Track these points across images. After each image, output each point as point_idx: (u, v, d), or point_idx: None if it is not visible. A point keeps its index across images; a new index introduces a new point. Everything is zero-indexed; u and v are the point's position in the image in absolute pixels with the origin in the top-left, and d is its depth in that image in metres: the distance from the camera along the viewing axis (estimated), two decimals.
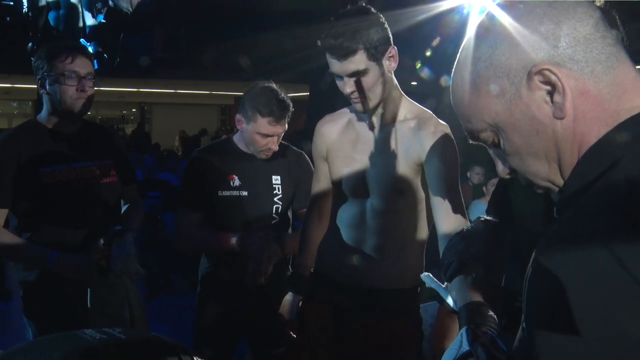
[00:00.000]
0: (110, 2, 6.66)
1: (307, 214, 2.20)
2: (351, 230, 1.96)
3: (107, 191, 2.27)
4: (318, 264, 2.08)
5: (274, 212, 2.45)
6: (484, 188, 5.12)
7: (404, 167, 1.84)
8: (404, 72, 1.92)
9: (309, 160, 2.46)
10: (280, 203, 2.45)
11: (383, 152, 1.87)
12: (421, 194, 1.87)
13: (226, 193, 2.41)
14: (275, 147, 2.37)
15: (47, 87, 2.14)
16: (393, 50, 1.81)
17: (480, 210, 4.03)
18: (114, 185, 2.30)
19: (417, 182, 1.85)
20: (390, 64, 1.81)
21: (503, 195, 1.77)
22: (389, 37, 1.80)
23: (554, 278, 0.64)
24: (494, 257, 1.49)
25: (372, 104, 1.82)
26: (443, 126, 1.82)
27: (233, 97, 19.04)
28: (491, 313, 1.30)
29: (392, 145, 1.86)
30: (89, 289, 2.05)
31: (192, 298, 2.60)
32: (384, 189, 1.87)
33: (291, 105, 2.38)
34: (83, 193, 2.19)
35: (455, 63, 0.87)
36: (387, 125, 1.88)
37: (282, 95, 2.35)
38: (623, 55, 0.77)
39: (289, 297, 2.14)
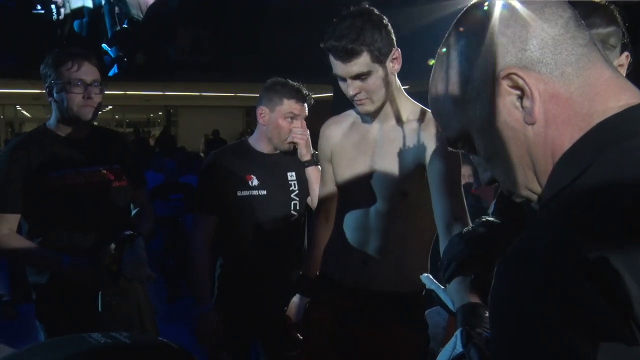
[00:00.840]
0: (117, 9, 6.77)
1: (315, 216, 2.21)
2: (355, 232, 1.95)
3: (117, 195, 2.29)
4: (323, 267, 2.08)
5: (292, 208, 2.48)
6: None
7: (408, 169, 1.82)
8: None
9: None
10: (298, 199, 2.49)
11: (386, 154, 1.86)
12: (425, 195, 1.84)
13: (245, 193, 2.44)
14: (303, 129, 2.42)
15: (55, 94, 2.17)
16: (397, 52, 1.80)
17: None
18: (123, 190, 2.32)
19: (422, 184, 1.83)
20: (394, 65, 1.80)
21: (506, 197, 1.74)
22: (393, 39, 1.79)
23: (497, 293, 0.64)
24: (494, 258, 1.46)
25: (375, 105, 1.82)
26: None
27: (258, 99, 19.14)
28: (487, 314, 1.28)
29: (396, 147, 1.85)
30: (99, 293, 2.07)
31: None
32: (387, 191, 1.86)
33: (307, 97, 2.46)
34: (92, 197, 2.22)
35: (432, 71, 0.85)
36: (391, 126, 1.87)
37: (301, 87, 2.45)
38: (596, 55, 0.74)
39: (295, 299, 2.15)
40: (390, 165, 1.85)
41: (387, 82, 1.79)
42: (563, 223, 0.63)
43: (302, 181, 2.50)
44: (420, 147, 1.80)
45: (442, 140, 1.76)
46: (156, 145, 12.65)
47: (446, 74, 0.80)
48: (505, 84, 0.74)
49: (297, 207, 2.50)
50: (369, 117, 1.89)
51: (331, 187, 2.10)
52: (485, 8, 0.77)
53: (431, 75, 0.85)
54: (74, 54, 2.20)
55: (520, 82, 0.72)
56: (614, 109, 0.71)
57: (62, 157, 2.19)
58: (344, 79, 1.79)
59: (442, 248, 1.63)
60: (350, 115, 2.01)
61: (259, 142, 2.50)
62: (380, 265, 1.90)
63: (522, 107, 0.74)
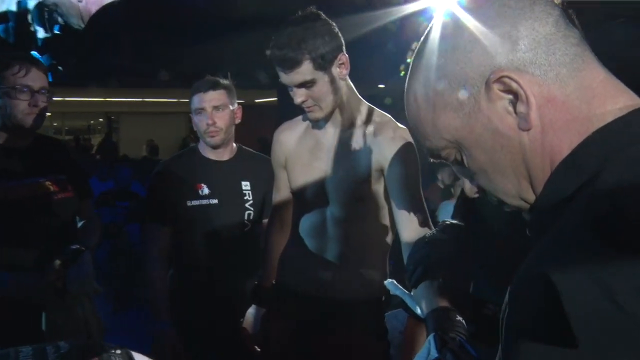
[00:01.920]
0: (60, 19, 6.54)
1: (269, 224, 2.17)
2: (312, 239, 1.93)
3: (62, 207, 2.18)
4: (280, 275, 2.04)
5: (245, 218, 2.41)
6: (452, 189, 5.13)
7: (364, 173, 1.80)
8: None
9: None
10: (252, 209, 2.42)
11: (342, 159, 1.83)
12: (382, 201, 1.84)
13: (195, 202, 2.36)
14: (209, 121, 2.31)
15: None
16: (344, 57, 1.77)
17: (448, 211, 4.02)
18: (69, 201, 2.21)
19: (378, 189, 1.82)
20: (341, 71, 1.77)
21: (468, 199, 1.75)
22: (339, 44, 1.76)
23: (527, 316, 0.57)
24: (460, 262, 1.46)
25: (324, 112, 1.79)
26: (402, 130, 1.79)
27: None
28: (459, 318, 1.28)
29: (351, 151, 1.82)
30: (43, 313, 1.97)
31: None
32: (343, 196, 1.84)
33: (226, 84, 2.37)
34: (36, 210, 2.10)
35: (408, 76, 0.79)
36: (346, 131, 1.85)
37: (214, 79, 2.37)
38: (589, 55, 0.69)
39: (251, 310, 2.10)
40: (346, 170, 1.83)
41: (335, 88, 1.76)
42: (591, 236, 0.57)
43: (258, 192, 2.43)
44: (377, 151, 1.78)
45: (399, 143, 1.75)
46: (97, 153, 12.31)
47: (425, 78, 0.74)
48: (496, 88, 0.68)
49: (251, 217, 2.42)
50: (323, 122, 1.87)
51: (285, 194, 2.06)
52: (468, 6, 0.71)
53: (407, 79, 0.79)
54: (21, 57, 2.08)
55: (514, 85, 0.67)
56: (613, 112, 0.66)
57: (3, 169, 2.07)
58: (291, 87, 1.76)
59: (404, 253, 1.62)
60: (304, 120, 1.98)
61: (206, 149, 2.44)
62: (339, 271, 1.88)
63: (515, 112, 0.68)
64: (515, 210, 0.77)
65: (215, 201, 2.37)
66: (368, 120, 1.84)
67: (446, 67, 0.71)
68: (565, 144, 0.67)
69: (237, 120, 2.42)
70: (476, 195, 0.82)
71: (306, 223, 1.94)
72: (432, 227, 1.65)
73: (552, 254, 0.59)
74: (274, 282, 2.06)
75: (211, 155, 2.43)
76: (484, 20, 0.69)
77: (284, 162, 2.01)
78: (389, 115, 1.86)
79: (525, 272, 0.61)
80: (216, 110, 2.33)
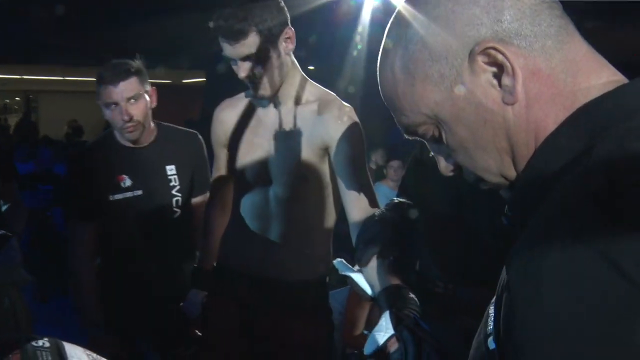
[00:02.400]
0: None
1: (209, 204, 2.10)
2: (254, 220, 1.88)
3: None
4: (221, 257, 1.99)
5: (174, 205, 2.29)
6: (384, 170, 5.18)
7: (308, 152, 1.77)
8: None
9: (203, 141, 2.34)
10: (180, 195, 2.29)
11: (285, 137, 1.79)
12: (326, 180, 1.81)
13: (118, 196, 2.21)
14: (126, 117, 2.11)
15: None
16: (290, 31, 1.72)
17: (382, 192, 4.06)
18: None
19: (322, 168, 1.79)
20: (287, 45, 1.72)
21: (413, 178, 1.76)
22: (286, 18, 1.71)
23: (536, 290, 0.54)
24: (408, 240, 1.47)
25: (270, 88, 1.74)
26: (347, 108, 1.76)
27: None
28: (412, 296, 1.29)
29: (294, 129, 1.78)
30: None
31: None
32: (287, 175, 1.80)
33: (138, 68, 2.15)
34: None
35: (382, 48, 0.75)
36: (289, 109, 1.80)
37: (122, 62, 2.14)
38: (572, 28, 0.67)
39: (192, 293, 2.04)
40: (289, 148, 1.78)
41: (280, 64, 1.72)
42: (591, 207, 0.55)
43: (184, 174, 2.30)
44: (322, 129, 1.74)
45: (345, 121, 1.72)
46: (15, 134, 11.73)
47: (404, 50, 0.70)
48: (480, 60, 0.65)
49: (179, 203, 2.29)
50: (265, 99, 1.81)
51: (225, 174, 2.00)
52: None
53: (381, 52, 0.75)
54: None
55: (500, 57, 0.64)
56: (597, 87, 0.65)
57: None
58: (235, 61, 1.70)
59: (352, 232, 1.61)
60: (245, 98, 1.92)
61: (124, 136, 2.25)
62: (282, 252, 1.84)
63: (499, 86, 0.65)
64: (494, 187, 0.75)
65: (139, 192, 2.23)
66: (313, 97, 1.80)
67: (427, 38, 0.68)
68: (550, 119, 0.65)
69: (154, 104, 2.24)
70: (451, 174, 0.78)
71: (248, 203, 1.89)
72: (380, 206, 1.65)
73: (552, 231, 0.57)
74: (215, 265, 2.00)
75: (130, 142, 2.25)
76: None
77: (224, 141, 1.94)
78: (334, 94, 1.83)
79: (525, 251, 0.58)
80: (131, 103, 2.13)
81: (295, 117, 1.79)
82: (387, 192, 4.43)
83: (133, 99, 2.12)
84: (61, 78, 16.41)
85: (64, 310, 4.32)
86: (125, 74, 2.11)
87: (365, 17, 6.54)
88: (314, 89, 1.83)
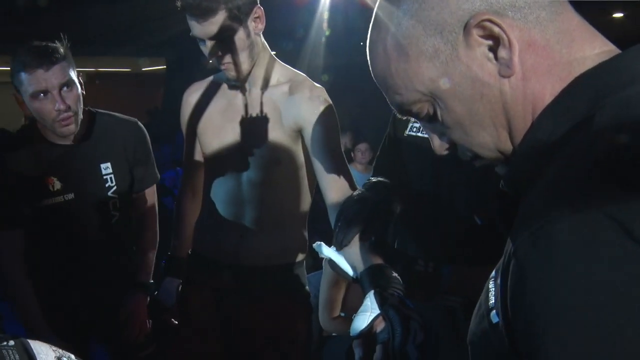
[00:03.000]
0: None
1: (180, 192, 2.05)
2: (227, 205, 1.84)
3: None
4: (195, 245, 1.94)
5: (111, 208, 2.08)
6: (351, 154, 5.19)
7: (280, 134, 1.73)
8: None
9: (144, 129, 2.16)
10: (117, 196, 2.07)
11: (257, 120, 1.75)
12: (300, 162, 1.78)
13: (47, 202, 1.97)
14: (62, 107, 1.85)
15: None
16: (259, 10, 1.68)
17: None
18: None
19: (296, 149, 1.75)
20: (256, 25, 1.68)
21: (388, 157, 1.75)
22: None
23: (547, 256, 0.54)
24: (388, 219, 1.46)
25: (242, 69, 1.69)
26: (319, 89, 1.73)
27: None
28: (395, 275, 1.28)
29: (266, 111, 1.74)
30: None
31: None
32: (260, 159, 1.76)
33: (63, 51, 1.87)
34: None
35: (372, 25, 0.74)
36: (259, 90, 1.76)
37: (47, 45, 1.86)
38: None
39: (166, 281, 1.99)
40: (261, 131, 1.74)
41: (250, 44, 1.67)
42: (600, 176, 0.55)
43: (122, 171, 2.08)
44: (294, 110, 1.70)
45: (317, 102, 1.69)
46: None
47: (397, 26, 0.69)
48: (475, 33, 0.64)
49: (118, 205, 2.08)
50: (236, 81, 1.76)
51: (196, 159, 1.95)
52: None
53: (371, 29, 0.74)
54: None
55: (496, 29, 0.64)
56: (591, 57, 0.65)
57: None
58: (204, 41, 1.65)
59: (330, 214, 1.59)
60: (214, 81, 1.87)
61: (49, 132, 1.96)
62: (257, 237, 1.81)
63: (496, 58, 0.65)
64: (491, 163, 0.74)
65: (70, 196, 1.99)
66: (284, 79, 1.76)
67: (420, 13, 0.67)
68: (547, 90, 0.65)
69: (83, 93, 1.98)
70: (446, 152, 0.77)
71: (220, 189, 1.84)
72: (355, 184, 1.63)
73: (560, 197, 0.56)
74: (189, 252, 1.96)
75: (57, 138, 1.98)
76: None
77: (194, 125, 1.89)
78: (304, 75, 1.79)
79: (533, 219, 0.57)
80: (64, 90, 1.86)
81: (267, 99, 1.75)
82: (355, 175, 4.43)
83: (66, 86, 1.87)
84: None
85: None
86: (55, 58, 1.83)
87: (325, 1, 6.52)
88: (284, 70, 1.79)
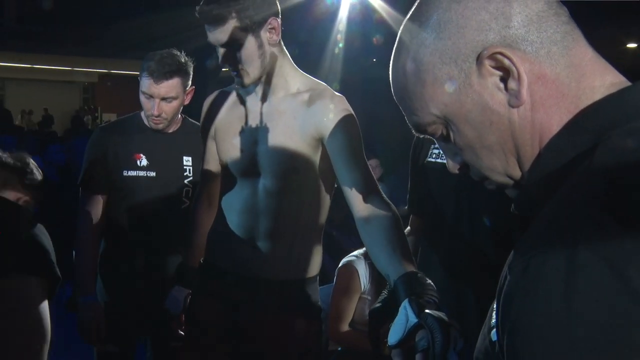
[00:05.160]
0: None
1: (195, 199, 2.03)
2: (242, 215, 1.81)
3: None
4: (208, 254, 1.92)
5: (183, 195, 2.33)
6: None
7: (299, 142, 1.72)
8: None
9: None
10: (191, 186, 2.32)
11: (275, 128, 1.74)
12: (317, 173, 1.76)
13: (132, 173, 2.28)
14: (155, 113, 2.22)
15: None
16: (275, 21, 1.69)
17: None
18: None
19: (314, 159, 1.74)
20: (271, 36, 1.69)
21: (416, 191, 1.79)
22: (272, 9, 1.69)
23: (534, 285, 0.56)
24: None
25: (250, 77, 1.71)
26: (340, 98, 1.73)
27: (97, 75, 17.97)
28: (429, 281, 1.27)
29: (285, 119, 1.74)
30: None
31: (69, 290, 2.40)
32: (276, 167, 1.74)
33: (184, 68, 2.23)
34: None
35: (394, 50, 0.78)
36: (280, 99, 1.76)
37: (172, 56, 2.22)
38: (578, 33, 0.70)
39: (175, 289, 1.99)
40: (280, 139, 1.73)
41: (262, 53, 1.69)
42: (591, 210, 0.57)
43: (199, 168, 2.24)
44: (315, 119, 1.69)
45: (340, 111, 1.68)
46: None
47: (415, 53, 0.73)
48: (488, 64, 0.68)
49: (190, 194, 2.32)
50: (255, 89, 1.77)
51: (214, 167, 1.94)
52: None
53: (394, 53, 0.78)
54: None
55: (506, 62, 0.67)
56: (601, 90, 0.68)
57: None
58: (217, 48, 1.69)
59: (357, 223, 1.59)
60: (235, 89, 1.87)
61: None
62: (270, 249, 1.78)
63: (506, 89, 0.69)
64: (498, 187, 0.77)
65: (152, 174, 2.29)
66: (304, 87, 1.76)
67: (438, 42, 0.71)
68: (554, 121, 0.68)
69: (187, 102, 2.33)
70: (457, 172, 0.81)
71: (236, 197, 1.83)
72: (383, 193, 1.63)
73: (555, 231, 0.59)
74: (201, 261, 1.94)
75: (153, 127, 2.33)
76: None
77: (213, 132, 1.89)
78: (324, 84, 1.79)
79: (529, 248, 0.60)
80: (165, 102, 2.22)
81: (286, 107, 1.75)
82: None
83: (167, 100, 2.21)
84: (29, 66, 16.07)
85: None
86: (170, 74, 2.18)
87: (343, 14, 6.56)
88: (304, 80, 1.79)
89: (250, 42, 1.66)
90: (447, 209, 1.62)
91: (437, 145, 1.63)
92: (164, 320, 2.07)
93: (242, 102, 1.83)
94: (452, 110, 0.72)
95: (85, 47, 11.16)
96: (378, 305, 1.31)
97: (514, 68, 0.67)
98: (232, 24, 1.63)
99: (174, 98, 2.22)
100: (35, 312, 1.24)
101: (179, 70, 2.21)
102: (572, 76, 0.68)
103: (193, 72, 2.29)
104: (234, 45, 1.66)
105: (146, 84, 2.19)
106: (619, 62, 0.76)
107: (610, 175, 0.59)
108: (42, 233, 1.33)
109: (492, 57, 0.68)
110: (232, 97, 1.87)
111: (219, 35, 1.65)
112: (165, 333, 2.19)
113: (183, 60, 2.24)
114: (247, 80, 1.71)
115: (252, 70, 1.70)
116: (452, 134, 0.75)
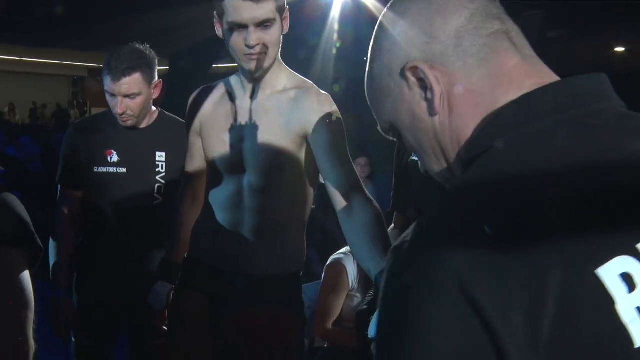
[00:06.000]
0: None
1: (179, 195, 2.02)
2: (227, 211, 1.81)
3: None
4: (193, 250, 1.92)
5: (155, 191, 2.29)
6: None
7: (285, 139, 1.72)
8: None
9: None
10: (164, 182, 2.29)
11: (261, 125, 1.74)
12: (302, 169, 1.77)
13: (102, 169, 2.26)
14: (120, 111, 2.16)
15: None
16: (287, 12, 1.70)
17: None
18: None
19: (299, 156, 1.74)
20: (285, 25, 1.70)
21: (400, 189, 1.80)
22: None
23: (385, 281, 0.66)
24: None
25: (268, 63, 1.69)
26: (325, 96, 1.73)
27: (87, 68, 17.87)
28: None
29: (271, 116, 1.73)
30: None
31: (44, 285, 2.39)
32: (261, 163, 1.74)
33: (145, 62, 2.18)
34: None
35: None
36: (267, 95, 1.75)
37: (132, 52, 2.17)
38: (502, 44, 0.74)
39: (158, 285, 1.97)
40: (265, 136, 1.73)
41: (279, 41, 1.69)
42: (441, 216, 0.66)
43: (174, 163, 2.27)
44: (301, 116, 1.70)
45: (325, 108, 1.69)
46: None
47: (370, 66, 0.82)
48: (411, 77, 0.75)
49: (162, 190, 2.29)
50: (243, 86, 1.77)
51: (199, 163, 1.93)
52: (403, 2, 0.79)
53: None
54: None
55: (422, 75, 0.74)
56: (517, 95, 0.71)
57: None
58: (245, 27, 1.62)
59: (341, 219, 1.62)
60: (222, 85, 1.86)
61: None
62: (255, 245, 1.78)
63: (426, 99, 0.75)
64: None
65: (123, 170, 2.27)
66: (291, 85, 1.76)
67: (381, 57, 0.80)
68: (469, 129, 0.74)
69: (155, 96, 2.30)
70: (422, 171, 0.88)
71: (221, 193, 1.82)
72: (365, 190, 1.64)
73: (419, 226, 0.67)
74: (185, 256, 1.93)
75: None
76: (410, 14, 0.77)
77: (198, 128, 1.88)
78: (311, 82, 1.79)
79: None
80: (129, 99, 2.17)
81: (273, 104, 1.74)
82: None
83: (131, 97, 2.16)
84: (17, 59, 15.96)
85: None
86: (129, 70, 2.12)
87: (335, 12, 6.56)
88: (291, 77, 1.79)
89: (278, 26, 1.65)
90: (430, 207, 1.64)
91: None
92: (140, 315, 2.06)
93: (229, 98, 1.82)
94: (394, 118, 0.80)
95: (75, 40, 11.11)
96: (364, 307, 1.33)
97: (427, 80, 0.74)
98: (272, 2, 1.62)
99: (137, 94, 2.17)
100: (18, 281, 1.24)
101: (138, 66, 2.15)
102: (488, 86, 0.73)
103: (186, 69, 2.28)
104: (267, 24, 1.63)
105: (107, 82, 2.15)
106: (607, 66, 0.78)
107: (465, 189, 0.67)
108: (17, 203, 1.30)
109: (411, 70, 0.75)
110: (219, 93, 1.86)
111: (258, 11, 1.60)
112: (141, 328, 2.19)
113: (144, 54, 2.19)
114: (266, 64, 1.68)
115: (272, 56, 1.68)
116: (403, 138, 0.83)
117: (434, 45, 0.74)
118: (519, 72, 0.73)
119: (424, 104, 0.75)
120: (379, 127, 0.86)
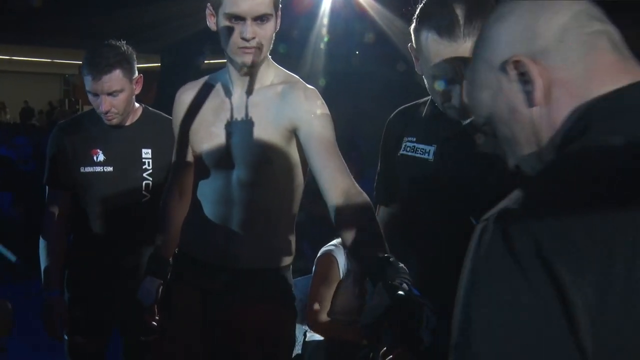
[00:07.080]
0: None
1: (167, 191, 2.02)
2: (216, 205, 1.82)
3: None
4: (182, 244, 1.93)
5: (143, 189, 2.30)
6: None
7: (273, 133, 1.72)
8: None
9: None
10: (151, 179, 2.30)
11: (249, 119, 1.74)
12: (291, 163, 1.77)
13: (89, 169, 2.27)
14: (104, 110, 2.17)
15: None
16: (279, 11, 1.71)
17: None
18: None
19: (288, 151, 1.75)
20: (278, 22, 1.71)
21: (384, 181, 1.80)
22: None
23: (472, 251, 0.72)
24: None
25: (260, 58, 1.70)
26: (312, 90, 1.74)
27: (78, 67, 17.76)
28: (402, 265, 1.31)
29: (259, 111, 1.74)
30: None
31: (38, 284, 2.38)
32: (250, 158, 1.75)
33: (123, 58, 2.17)
34: None
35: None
36: (255, 90, 1.76)
37: (109, 49, 2.17)
38: (602, 43, 0.80)
39: (147, 280, 1.96)
40: (254, 131, 1.73)
41: (273, 37, 1.70)
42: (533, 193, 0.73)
43: (160, 160, 2.29)
44: (289, 110, 1.70)
45: (312, 101, 1.70)
46: None
47: (474, 63, 0.90)
48: (511, 71, 0.82)
49: (150, 188, 2.30)
50: (230, 80, 1.78)
51: (186, 158, 1.93)
52: (509, 3, 0.86)
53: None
54: None
55: (524, 69, 0.80)
56: (611, 89, 0.77)
57: None
58: (242, 19, 1.63)
59: (332, 213, 1.62)
60: (208, 81, 1.87)
61: None
62: (245, 240, 1.79)
63: (526, 92, 0.81)
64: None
65: (110, 168, 2.27)
66: (278, 79, 1.77)
67: (484, 54, 0.87)
68: (564, 117, 0.80)
69: (137, 92, 2.30)
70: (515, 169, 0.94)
71: (209, 188, 1.83)
72: (355, 182, 1.64)
73: (510, 205, 0.73)
74: (176, 252, 1.94)
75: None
76: (512, 15, 0.84)
77: (186, 123, 1.87)
78: (297, 76, 1.80)
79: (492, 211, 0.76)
80: (112, 97, 2.17)
81: (261, 99, 1.75)
82: None
83: (114, 94, 2.16)
84: (7, 57, 15.87)
85: (16, 297, 4.18)
86: (108, 67, 2.12)
87: (326, 7, 6.55)
88: (278, 72, 1.80)
89: (273, 22, 1.67)
90: (420, 203, 1.64)
91: (410, 139, 1.67)
92: (132, 312, 2.05)
93: (217, 93, 1.83)
94: (492, 112, 0.87)
95: (66, 39, 11.04)
96: (370, 320, 1.30)
97: (529, 74, 0.80)
98: None
99: (119, 91, 2.17)
100: None
101: (117, 62, 2.15)
102: (585, 79, 0.79)
103: (176, 65, 2.27)
104: (264, 19, 1.64)
105: (88, 82, 2.15)
106: None
107: (559, 166, 0.75)
108: None
109: (513, 64, 0.81)
110: (206, 89, 1.86)
111: (257, 4, 1.62)
112: (134, 325, 2.16)
113: (121, 50, 2.19)
114: (258, 58, 1.69)
115: (265, 51, 1.69)
116: (496, 130, 0.89)
117: (537, 41, 0.80)
118: (616, 68, 0.79)
119: (522, 97, 0.82)
120: (477, 124, 0.94)
